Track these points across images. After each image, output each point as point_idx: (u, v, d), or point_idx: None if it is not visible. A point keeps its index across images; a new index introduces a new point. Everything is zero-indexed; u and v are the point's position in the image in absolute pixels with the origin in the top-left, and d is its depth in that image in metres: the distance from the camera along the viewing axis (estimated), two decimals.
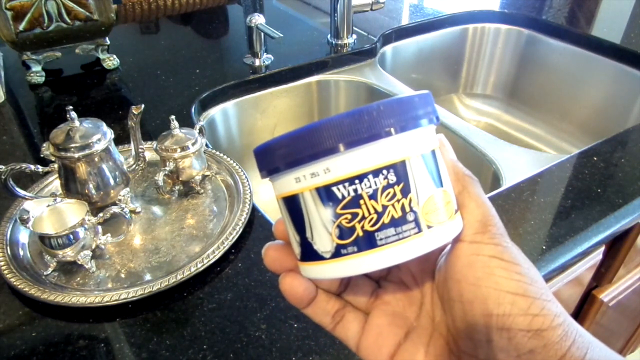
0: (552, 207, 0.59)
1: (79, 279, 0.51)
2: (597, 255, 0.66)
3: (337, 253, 0.22)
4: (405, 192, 0.21)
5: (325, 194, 0.21)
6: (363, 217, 0.21)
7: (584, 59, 1.04)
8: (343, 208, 0.21)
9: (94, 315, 0.48)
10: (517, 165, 0.70)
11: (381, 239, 0.21)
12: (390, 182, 0.21)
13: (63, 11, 0.83)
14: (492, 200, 0.60)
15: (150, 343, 0.45)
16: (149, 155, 0.64)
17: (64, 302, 0.47)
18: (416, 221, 0.22)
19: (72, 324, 0.47)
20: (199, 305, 0.48)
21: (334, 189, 0.21)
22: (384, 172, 0.21)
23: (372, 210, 0.21)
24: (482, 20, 1.17)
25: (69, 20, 0.85)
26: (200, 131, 0.64)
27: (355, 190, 0.21)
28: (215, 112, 0.88)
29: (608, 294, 0.78)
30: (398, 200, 0.21)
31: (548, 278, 0.53)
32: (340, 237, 0.22)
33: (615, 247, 0.71)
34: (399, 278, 0.28)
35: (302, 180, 0.22)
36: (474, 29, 1.17)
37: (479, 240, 0.23)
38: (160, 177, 0.59)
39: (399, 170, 0.21)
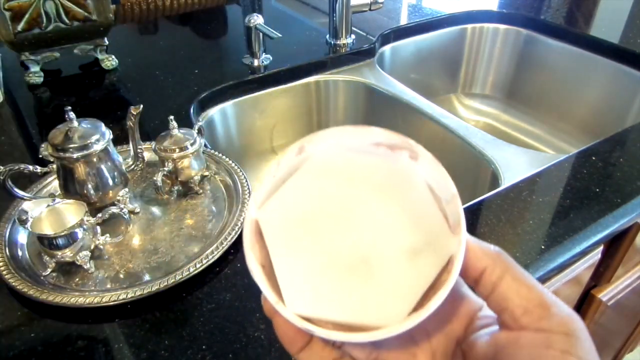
0: (550, 207, 0.59)
1: (77, 279, 0.51)
2: (596, 255, 0.66)
3: None
4: None
5: None
6: None
7: (582, 58, 1.04)
8: None
9: (93, 315, 0.48)
10: (515, 165, 0.70)
11: None
12: None
13: (61, 11, 0.83)
14: (491, 200, 0.60)
15: (149, 343, 0.45)
16: (148, 155, 0.64)
17: (62, 303, 0.47)
18: None
19: (71, 325, 0.47)
20: (198, 306, 0.48)
21: None
22: None
23: None
24: (480, 20, 1.17)
25: (67, 21, 0.84)
26: (199, 131, 0.63)
27: None
28: (214, 112, 0.88)
29: (607, 294, 0.78)
30: None
31: (547, 278, 0.53)
32: None
33: (614, 246, 0.71)
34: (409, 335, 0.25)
35: None
36: (473, 29, 1.17)
37: (547, 329, 0.20)
38: (159, 178, 0.59)
39: None
